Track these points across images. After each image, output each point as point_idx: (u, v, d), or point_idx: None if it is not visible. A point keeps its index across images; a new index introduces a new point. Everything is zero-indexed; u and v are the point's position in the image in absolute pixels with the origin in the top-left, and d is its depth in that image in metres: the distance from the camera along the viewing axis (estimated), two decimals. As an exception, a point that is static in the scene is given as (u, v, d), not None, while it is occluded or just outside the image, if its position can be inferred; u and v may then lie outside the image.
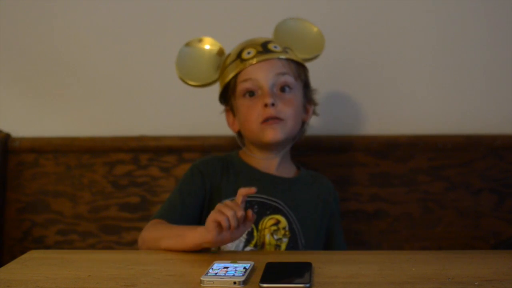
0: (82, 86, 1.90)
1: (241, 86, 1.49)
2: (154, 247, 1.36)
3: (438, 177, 1.78)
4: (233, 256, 1.20)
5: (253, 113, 1.47)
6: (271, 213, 1.46)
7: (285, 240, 1.45)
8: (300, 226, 1.47)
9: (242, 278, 1.07)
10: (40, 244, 1.84)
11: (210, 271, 1.11)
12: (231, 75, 1.51)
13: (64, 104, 1.90)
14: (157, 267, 1.19)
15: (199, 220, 1.48)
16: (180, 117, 1.88)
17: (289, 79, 1.48)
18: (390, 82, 1.84)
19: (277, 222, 1.46)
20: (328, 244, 1.54)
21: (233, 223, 1.21)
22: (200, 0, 1.84)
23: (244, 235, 1.43)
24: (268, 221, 1.46)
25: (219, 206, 1.24)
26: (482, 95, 1.82)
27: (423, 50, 1.83)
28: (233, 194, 1.39)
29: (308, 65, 1.58)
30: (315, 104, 1.59)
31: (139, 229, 1.83)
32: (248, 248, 1.43)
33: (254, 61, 1.48)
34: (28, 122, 1.90)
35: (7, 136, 1.87)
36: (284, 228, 1.46)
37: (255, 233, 1.44)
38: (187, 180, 1.53)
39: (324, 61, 1.65)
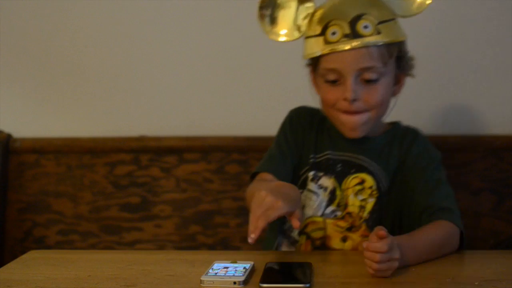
0: (83, 87, 1.90)
1: (323, 71, 1.35)
2: None
3: (438, 177, 1.78)
4: (233, 256, 1.20)
5: (331, 99, 1.36)
6: (355, 172, 1.39)
7: (371, 200, 1.38)
8: (388, 186, 1.39)
9: (242, 278, 1.07)
10: (41, 244, 1.85)
11: (210, 271, 1.11)
12: (313, 53, 1.36)
13: (65, 104, 1.91)
14: (157, 267, 1.19)
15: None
16: (181, 117, 1.88)
17: (376, 71, 1.33)
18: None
19: (362, 181, 1.39)
20: (410, 203, 1.38)
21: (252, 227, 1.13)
22: (200, 0, 1.84)
23: (327, 194, 1.39)
24: (351, 180, 1.39)
25: (254, 203, 1.16)
26: (482, 95, 1.81)
27: (422, 49, 1.83)
28: (316, 150, 1.42)
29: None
30: (409, 71, 1.44)
31: (140, 229, 1.84)
32: (330, 208, 1.39)
33: (338, 47, 1.31)
34: (29, 123, 1.90)
35: (8, 137, 1.87)
36: (370, 188, 1.38)
37: (337, 192, 1.39)
38: (284, 129, 1.48)
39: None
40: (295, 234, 1.41)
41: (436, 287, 1.07)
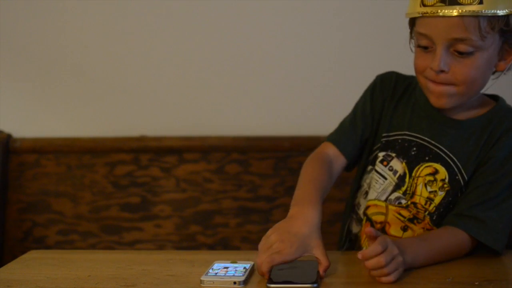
0: (83, 87, 1.90)
1: (416, 35, 1.26)
2: None
3: (438, 177, 1.78)
4: (233, 256, 1.20)
5: (421, 65, 1.26)
6: (430, 160, 1.29)
7: (441, 193, 1.28)
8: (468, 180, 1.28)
9: (242, 278, 1.07)
10: (41, 244, 1.85)
11: (210, 271, 1.11)
12: (409, 13, 1.27)
13: (65, 104, 1.91)
14: (157, 267, 1.19)
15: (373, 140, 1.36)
16: (181, 117, 1.88)
17: (471, 44, 1.20)
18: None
19: (435, 172, 1.29)
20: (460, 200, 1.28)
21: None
22: (201, 1, 1.84)
23: (396, 179, 1.31)
24: (424, 169, 1.30)
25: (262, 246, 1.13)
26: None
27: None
28: (390, 127, 1.33)
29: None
30: None
31: (140, 229, 1.84)
32: (396, 194, 1.31)
33: (430, 12, 1.20)
34: (29, 123, 1.90)
35: (8, 137, 1.87)
36: (442, 180, 1.28)
37: (406, 179, 1.30)
38: (365, 97, 1.39)
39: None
40: (361, 212, 1.35)
41: (436, 287, 1.07)
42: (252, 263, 1.15)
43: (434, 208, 1.29)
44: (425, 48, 1.25)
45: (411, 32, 1.31)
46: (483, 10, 1.18)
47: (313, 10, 1.82)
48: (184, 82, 1.87)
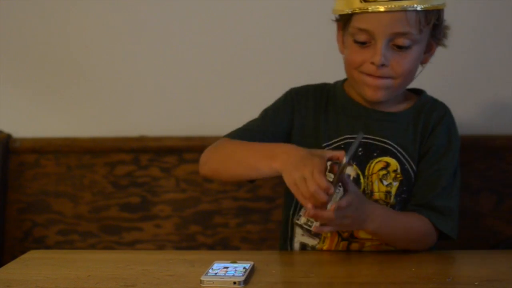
0: (82, 87, 1.90)
1: (354, 31, 1.28)
2: (220, 169, 1.30)
3: (438, 177, 1.78)
4: (233, 256, 1.20)
5: (357, 60, 1.28)
6: (378, 155, 1.32)
7: (395, 183, 1.31)
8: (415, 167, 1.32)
9: (242, 278, 1.07)
10: (41, 244, 1.85)
11: (210, 271, 1.11)
12: (345, 10, 1.28)
13: (65, 104, 1.91)
14: (157, 267, 1.19)
15: None
16: (181, 117, 1.88)
17: (410, 37, 1.25)
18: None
19: (386, 165, 1.32)
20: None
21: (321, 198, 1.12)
22: (201, 1, 1.84)
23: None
24: (375, 165, 1.32)
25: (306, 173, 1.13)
26: (482, 95, 1.82)
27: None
28: (329, 136, 1.34)
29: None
30: (443, 41, 1.37)
31: (140, 229, 1.84)
32: None
33: (374, 8, 1.23)
34: (29, 123, 1.90)
35: (8, 137, 1.87)
36: (395, 171, 1.31)
37: (361, 180, 1.32)
38: (277, 106, 1.40)
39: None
40: (317, 224, 1.33)
41: (436, 287, 1.07)
42: (252, 263, 1.15)
43: (394, 200, 1.31)
44: (362, 43, 1.27)
45: (341, 28, 1.34)
46: (423, 5, 1.24)
47: (314, 11, 1.82)
48: (184, 82, 1.87)
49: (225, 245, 1.81)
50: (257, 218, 1.80)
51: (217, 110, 1.87)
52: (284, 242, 1.41)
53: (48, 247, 1.84)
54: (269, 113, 1.40)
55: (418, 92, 1.42)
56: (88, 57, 1.89)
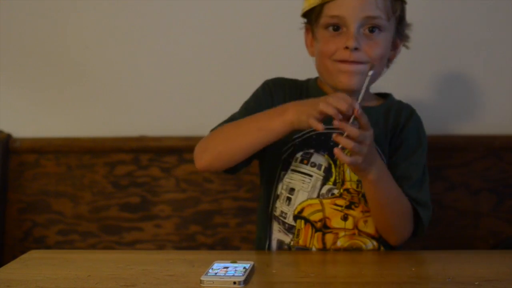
0: (83, 87, 1.90)
1: (326, 20, 1.34)
2: (223, 151, 1.32)
3: (437, 177, 1.78)
4: (233, 256, 1.20)
5: (330, 48, 1.33)
6: None
7: None
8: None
9: (242, 278, 1.07)
10: (41, 244, 1.85)
11: (210, 271, 1.11)
12: (318, 1, 1.35)
13: (65, 104, 1.91)
14: (157, 267, 1.19)
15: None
16: (181, 117, 1.88)
17: (381, 22, 1.32)
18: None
19: None
20: None
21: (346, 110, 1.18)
22: (201, 1, 1.84)
23: (322, 172, 1.35)
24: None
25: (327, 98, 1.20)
26: (482, 95, 1.82)
27: (421, 50, 1.83)
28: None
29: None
30: (406, 39, 1.43)
31: (140, 229, 1.84)
32: (326, 187, 1.35)
33: None
34: (29, 123, 1.90)
35: (8, 137, 1.87)
36: None
37: (333, 169, 1.35)
38: (257, 96, 1.44)
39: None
40: (289, 220, 1.37)
41: (436, 287, 1.07)
42: (252, 263, 1.15)
43: None
44: (335, 30, 1.33)
45: (309, 29, 1.40)
46: None
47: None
48: (184, 82, 1.87)
49: (225, 245, 1.81)
50: (257, 218, 1.80)
51: (217, 110, 1.86)
52: (259, 242, 1.42)
53: (48, 247, 1.84)
54: (251, 105, 1.43)
55: (386, 96, 1.47)
56: (88, 57, 1.89)
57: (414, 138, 1.39)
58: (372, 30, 1.32)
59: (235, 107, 1.88)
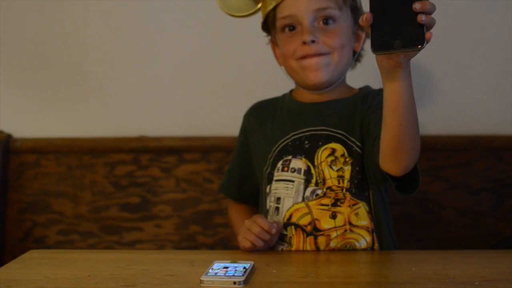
0: (83, 87, 1.90)
1: (280, 23, 1.39)
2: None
3: (437, 177, 1.78)
4: (233, 256, 1.20)
5: (290, 48, 1.38)
6: (323, 143, 1.37)
7: (347, 168, 1.35)
8: (362, 146, 1.36)
9: (242, 278, 1.07)
10: (41, 244, 1.85)
11: (210, 271, 1.11)
12: (269, 7, 1.41)
13: (65, 105, 1.91)
14: (157, 267, 1.19)
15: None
16: (181, 117, 1.88)
17: (332, 12, 1.36)
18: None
19: (333, 151, 1.37)
20: (367, 137, 1.35)
21: (265, 237, 1.30)
22: (201, 1, 1.84)
23: (302, 176, 1.37)
24: (322, 153, 1.37)
25: (248, 224, 1.31)
26: (482, 95, 1.82)
27: (422, 50, 1.83)
28: (278, 138, 1.42)
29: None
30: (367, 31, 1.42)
31: (140, 229, 1.84)
32: (310, 189, 1.36)
33: None
34: (30, 123, 1.91)
35: (8, 137, 1.87)
36: (342, 155, 1.36)
37: (312, 171, 1.37)
38: (239, 138, 1.54)
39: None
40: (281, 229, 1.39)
41: (436, 287, 1.07)
42: (252, 263, 1.15)
43: (349, 183, 1.35)
44: (291, 29, 1.37)
45: (274, 41, 1.46)
46: None
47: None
48: (184, 82, 1.87)
49: (225, 245, 1.81)
50: (257, 218, 1.80)
51: (217, 110, 1.87)
52: None
53: (48, 247, 1.84)
54: (238, 149, 1.54)
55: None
56: (88, 57, 1.89)
57: (377, 97, 1.36)
58: (326, 22, 1.36)
59: (235, 107, 1.89)
